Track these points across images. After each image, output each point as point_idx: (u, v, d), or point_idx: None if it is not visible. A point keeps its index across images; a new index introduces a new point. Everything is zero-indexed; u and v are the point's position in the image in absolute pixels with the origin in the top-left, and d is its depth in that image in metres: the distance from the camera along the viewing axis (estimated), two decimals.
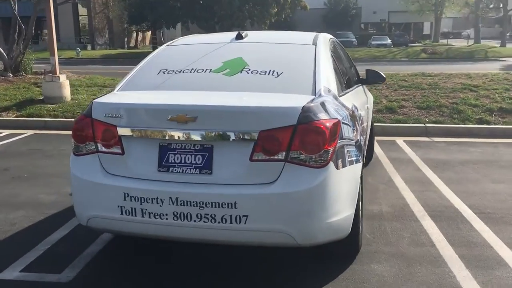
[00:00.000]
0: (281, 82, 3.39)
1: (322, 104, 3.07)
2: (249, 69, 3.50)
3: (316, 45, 3.84)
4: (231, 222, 2.90)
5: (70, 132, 3.40)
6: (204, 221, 2.93)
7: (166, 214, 2.97)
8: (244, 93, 3.29)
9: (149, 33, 50.44)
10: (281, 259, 3.59)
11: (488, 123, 8.39)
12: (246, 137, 2.92)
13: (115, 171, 3.11)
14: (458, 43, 46.36)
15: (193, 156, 3.01)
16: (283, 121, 2.91)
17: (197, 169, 2.99)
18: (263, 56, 3.72)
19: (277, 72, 3.44)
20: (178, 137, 2.99)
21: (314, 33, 4.27)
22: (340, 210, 3.05)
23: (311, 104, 3.01)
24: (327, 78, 3.46)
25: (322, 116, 2.98)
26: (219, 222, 2.91)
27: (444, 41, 50.91)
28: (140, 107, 3.17)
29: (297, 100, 3.06)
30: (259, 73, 3.46)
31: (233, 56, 3.69)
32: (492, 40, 48.97)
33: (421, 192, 5.13)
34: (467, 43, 43.73)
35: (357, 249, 3.61)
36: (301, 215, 2.91)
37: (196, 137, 2.97)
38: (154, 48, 35.82)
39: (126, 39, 51.42)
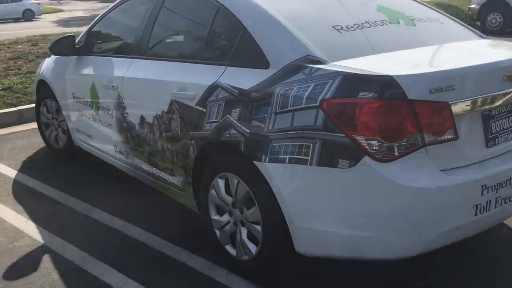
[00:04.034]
0: (457, 29, 3.23)
1: None
2: (414, 18, 3.06)
3: None
4: None
5: None
6: None
7: None
8: (473, 41, 3.03)
9: None
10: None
11: None
12: None
13: (449, 164, 2.28)
14: None
15: (504, 119, 2.52)
16: None
17: None
18: (384, 2, 3.20)
19: (436, 19, 3.17)
20: (502, 99, 2.44)
21: None
22: None
23: None
24: None
25: None
26: None
27: None
28: (480, 69, 2.36)
29: None
30: (428, 21, 3.13)
31: (372, 4, 3.08)
32: None
33: None
34: None
35: None
36: None
37: None
38: None
39: None
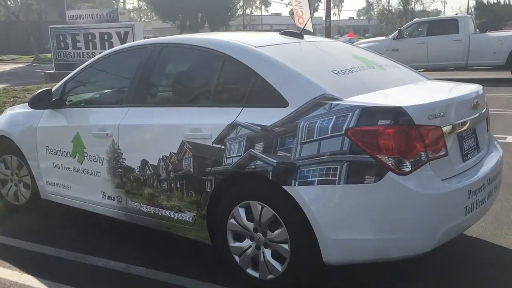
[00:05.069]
0: (411, 72, 3.85)
1: None
2: (381, 64, 3.71)
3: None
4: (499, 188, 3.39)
5: None
6: (493, 192, 3.26)
7: (484, 197, 3.09)
8: (432, 82, 3.72)
9: None
10: None
11: None
12: (485, 113, 3.43)
13: (445, 175, 2.88)
14: None
15: (470, 139, 3.20)
16: None
17: (476, 150, 3.24)
18: (355, 52, 3.81)
19: (393, 65, 3.83)
20: (469, 123, 3.11)
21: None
22: None
23: None
24: None
25: None
26: (495, 190, 3.32)
27: None
28: (457, 100, 3.05)
29: None
30: (391, 66, 3.75)
31: (348, 53, 3.65)
32: None
33: None
34: None
35: None
36: None
37: (476, 120, 3.21)
38: None
39: None
